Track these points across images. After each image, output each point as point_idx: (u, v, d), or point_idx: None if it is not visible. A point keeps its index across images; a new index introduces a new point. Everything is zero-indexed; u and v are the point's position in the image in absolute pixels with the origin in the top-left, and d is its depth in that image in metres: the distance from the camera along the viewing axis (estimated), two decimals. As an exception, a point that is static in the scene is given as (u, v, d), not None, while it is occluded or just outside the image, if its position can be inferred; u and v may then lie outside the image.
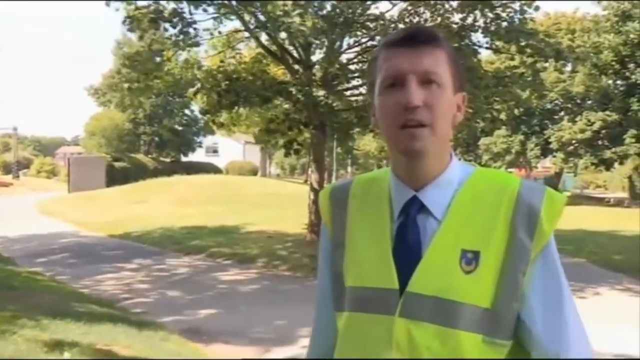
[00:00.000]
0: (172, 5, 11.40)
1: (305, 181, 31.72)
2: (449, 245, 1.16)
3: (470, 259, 1.14)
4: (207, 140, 49.96)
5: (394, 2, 12.21)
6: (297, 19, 9.50)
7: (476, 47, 12.22)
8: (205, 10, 11.80)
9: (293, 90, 11.27)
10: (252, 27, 11.57)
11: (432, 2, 11.74)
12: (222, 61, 12.98)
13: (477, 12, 11.57)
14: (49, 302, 6.92)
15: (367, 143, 44.00)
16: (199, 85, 12.73)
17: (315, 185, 12.60)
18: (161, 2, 11.36)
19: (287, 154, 13.72)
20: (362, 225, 1.26)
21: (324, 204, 1.36)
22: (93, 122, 44.37)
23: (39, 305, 6.49)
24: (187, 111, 43.48)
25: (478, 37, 12.24)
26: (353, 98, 12.50)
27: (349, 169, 53.28)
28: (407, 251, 1.18)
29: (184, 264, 11.20)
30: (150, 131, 43.24)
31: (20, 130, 51.78)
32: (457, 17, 11.90)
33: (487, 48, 12.66)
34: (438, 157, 1.19)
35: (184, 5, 11.49)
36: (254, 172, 42.38)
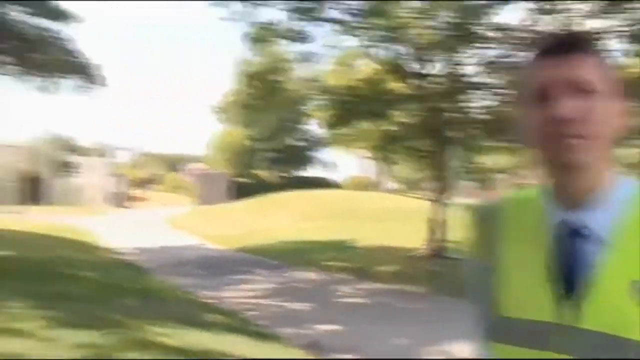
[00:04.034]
0: (291, 22, 11.65)
1: (425, 196, 31.17)
2: (617, 274, 1.00)
3: None
4: (325, 156, 50.76)
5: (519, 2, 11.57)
6: (417, 31, 9.36)
7: (616, 54, 11.34)
8: (321, 27, 11.95)
9: (413, 103, 11.13)
10: (371, 43, 11.56)
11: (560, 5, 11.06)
12: (341, 77, 13.10)
13: (613, 16, 10.75)
14: (178, 311, 7.24)
15: (492, 157, 42.40)
16: (318, 101, 12.92)
17: (435, 200, 12.31)
18: (278, 19, 11.61)
19: (405, 164, 13.51)
20: (514, 250, 1.13)
21: (471, 225, 1.24)
22: (216, 140, 46.56)
23: (169, 314, 6.80)
24: (306, 127, 44.47)
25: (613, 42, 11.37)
26: (477, 111, 12.10)
27: (471, 184, 51.68)
28: (565, 280, 1.04)
29: (305, 277, 11.33)
30: (270, 147, 44.62)
31: (151, 148, 55.65)
32: (592, 23, 11.13)
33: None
34: (597, 173, 1.05)
35: (303, 23, 11.71)
36: (371, 187, 42.37)
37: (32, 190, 33.54)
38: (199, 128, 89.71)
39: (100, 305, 7.01)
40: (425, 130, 11.63)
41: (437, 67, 12.20)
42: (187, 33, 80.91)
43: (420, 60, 11.87)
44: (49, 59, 12.91)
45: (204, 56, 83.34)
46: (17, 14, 12.48)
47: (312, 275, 11.55)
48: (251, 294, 9.76)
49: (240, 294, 9.72)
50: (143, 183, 46.76)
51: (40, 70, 13.48)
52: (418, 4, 10.61)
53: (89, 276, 10.14)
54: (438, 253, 12.44)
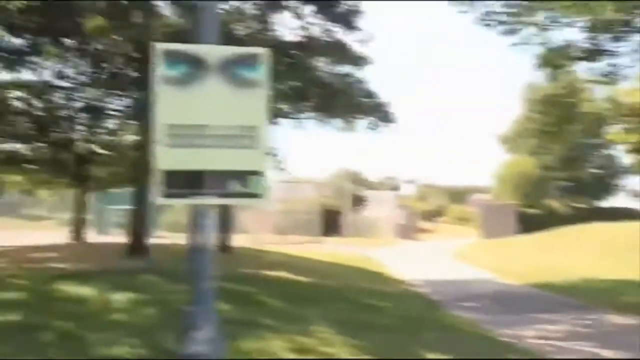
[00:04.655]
0: (589, 41, 10.76)
1: None
2: None
3: None
4: (631, 183, 45.51)
5: None
6: None
7: None
8: (625, 41, 10.76)
9: None
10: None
11: None
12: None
13: None
14: (477, 348, 7.03)
15: None
16: (623, 123, 11.63)
17: None
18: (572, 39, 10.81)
19: None
20: None
21: None
22: (502, 169, 45.17)
23: (468, 351, 6.65)
24: (606, 152, 40.80)
25: None
26: None
27: None
28: None
29: (615, 321, 10.08)
30: (564, 176, 41.74)
31: (436, 180, 56.75)
32: None
33: None
34: None
35: (603, 39, 10.72)
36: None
37: (329, 222, 36.64)
38: (485, 158, 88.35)
39: (400, 337, 7.16)
40: None
41: None
42: (472, 62, 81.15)
43: None
44: (347, 102, 14.02)
45: (489, 85, 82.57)
46: (320, 64, 13.90)
47: (624, 319, 10.21)
48: (553, 335, 9.00)
49: (540, 334, 9.04)
50: (429, 215, 47.77)
51: (340, 112, 14.73)
52: None
53: (385, 306, 10.50)
54: None
